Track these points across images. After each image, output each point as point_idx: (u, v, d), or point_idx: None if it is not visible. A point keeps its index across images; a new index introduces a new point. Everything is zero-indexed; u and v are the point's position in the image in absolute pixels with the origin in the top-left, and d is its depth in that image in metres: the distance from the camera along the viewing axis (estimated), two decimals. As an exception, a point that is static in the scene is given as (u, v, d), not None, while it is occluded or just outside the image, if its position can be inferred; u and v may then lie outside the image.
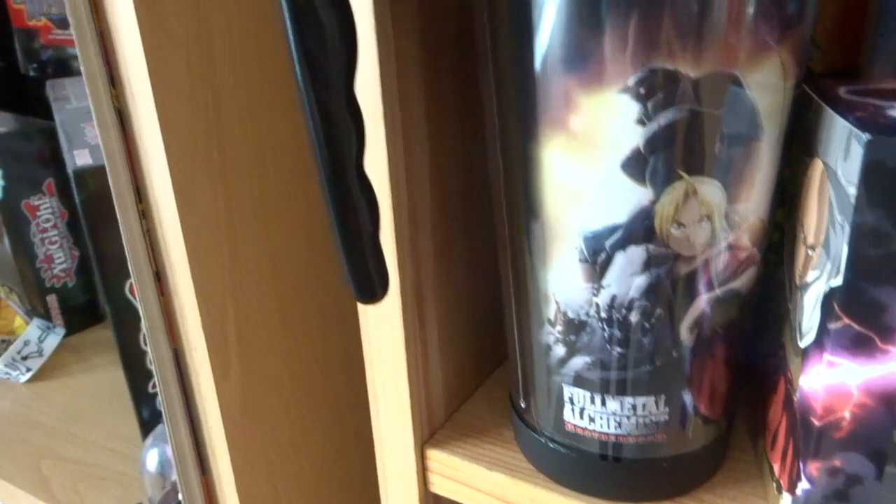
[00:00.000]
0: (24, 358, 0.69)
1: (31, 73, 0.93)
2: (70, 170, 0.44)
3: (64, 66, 0.90)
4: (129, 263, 0.35)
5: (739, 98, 0.24)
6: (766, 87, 0.24)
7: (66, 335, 0.75)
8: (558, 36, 0.23)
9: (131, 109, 0.32)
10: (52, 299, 0.76)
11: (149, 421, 0.53)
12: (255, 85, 0.36)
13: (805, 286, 0.26)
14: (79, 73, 0.87)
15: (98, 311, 0.80)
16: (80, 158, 0.45)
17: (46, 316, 0.76)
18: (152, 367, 0.52)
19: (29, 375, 0.68)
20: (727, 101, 0.23)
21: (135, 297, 0.49)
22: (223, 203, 0.35)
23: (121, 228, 0.34)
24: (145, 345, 0.50)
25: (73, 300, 0.77)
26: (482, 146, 0.32)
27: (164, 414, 0.39)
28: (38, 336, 0.71)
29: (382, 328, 0.33)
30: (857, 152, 0.21)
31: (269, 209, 0.38)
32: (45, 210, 0.74)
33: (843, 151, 0.22)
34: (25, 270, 0.74)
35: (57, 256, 0.75)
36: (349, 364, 0.47)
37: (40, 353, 0.70)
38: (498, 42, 0.26)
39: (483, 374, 0.40)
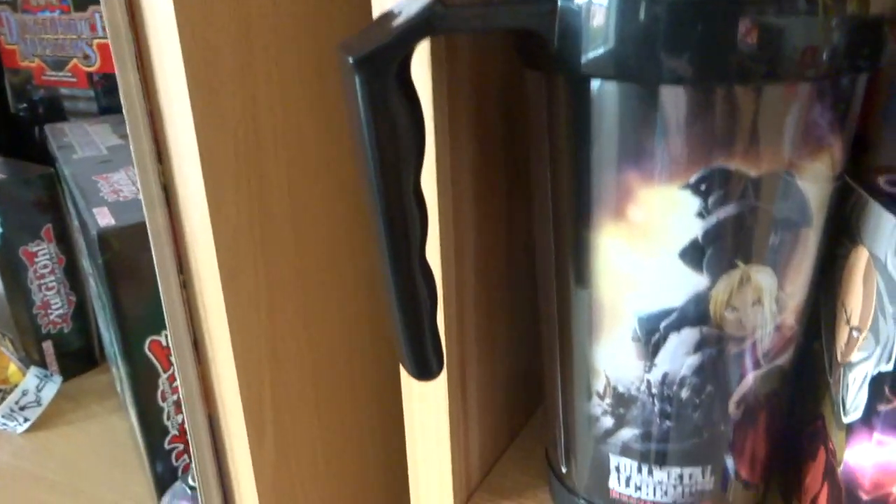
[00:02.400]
0: (22, 408, 0.68)
1: (21, 114, 0.93)
2: (94, 232, 0.44)
3: (55, 107, 0.89)
4: (168, 332, 0.35)
5: (793, 192, 0.25)
6: (816, 181, 0.25)
7: (62, 382, 0.74)
8: (623, 137, 0.24)
9: (179, 189, 0.32)
10: (47, 346, 0.74)
11: (163, 476, 0.52)
12: (297, 161, 0.36)
13: (849, 365, 0.27)
14: (74, 116, 0.86)
15: (93, 357, 0.79)
16: (101, 218, 0.45)
17: (42, 363, 0.74)
18: (168, 423, 0.52)
19: (27, 426, 0.67)
20: (782, 195, 0.25)
21: (153, 355, 0.48)
22: (264, 276, 0.35)
23: (162, 298, 0.34)
24: (162, 401, 0.50)
25: (69, 346, 0.76)
26: (528, 222, 0.33)
27: (196, 479, 0.39)
28: (35, 385, 0.70)
29: (426, 400, 0.33)
30: (910, 249, 0.23)
31: (308, 281, 0.38)
32: (42, 256, 0.73)
33: (895, 247, 0.24)
34: (21, 317, 0.73)
35: (54, 302, 0.74)
36: (383, 430, 0.47)
37: (38, 402, 0.69)
38: (557, 135, 0.27)
39: (514, 431, 0.41)
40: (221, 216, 0.33)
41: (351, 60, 0.23)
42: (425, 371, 0.28)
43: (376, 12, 0.28)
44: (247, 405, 0.36)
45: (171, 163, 0.32)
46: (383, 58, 0.23)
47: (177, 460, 0.52)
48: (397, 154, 0.24)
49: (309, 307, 0.39)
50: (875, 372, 0.25)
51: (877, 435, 0.25)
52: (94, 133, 0.72)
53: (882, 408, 0.25)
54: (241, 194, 0.33)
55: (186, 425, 0.37)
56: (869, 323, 0.26)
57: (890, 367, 0.24)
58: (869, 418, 0.26)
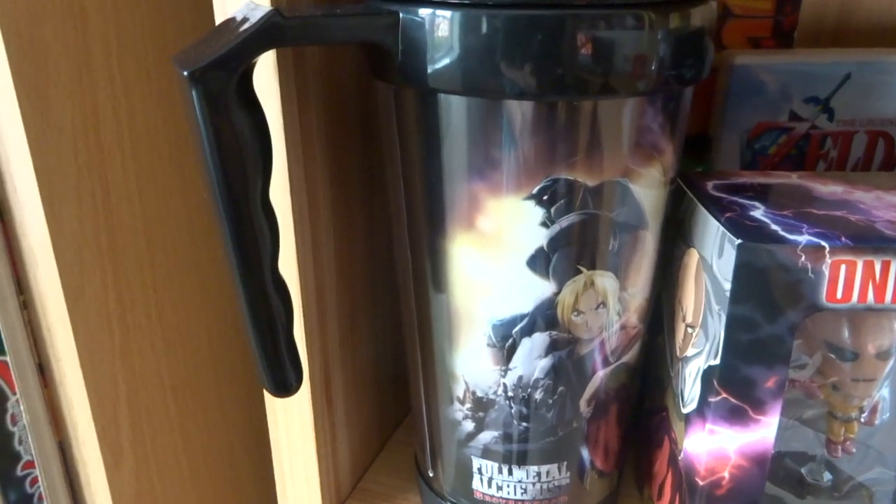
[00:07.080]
0: None
1: None
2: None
3: None
4: (7, 355, 0.33)
5: (628, 200, 0.26)
6: (649, 188, 0.27)
7: None
8: (468, 149, 0.25)
9: (13, 203, 0.30)
10: None
11: (17, 505, 0.49)
12: (148, 167, 0.35)
13: (686, 360, 0.29)
14: None
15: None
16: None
17: None
18: (20, 448, 0.48)
19: None
20: (617, 203, 0.26)
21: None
22: (114, 291, 0.34)
23: (-2, 321, 0.32)
24: (13, 425, 0.46)
25: None
26: (388, 229, 0.33)
27: (48, 510, 0.36)
28: None
29: (290, 412, 0.33)
30: (731, 254, 0.24)
31: (165, 292, 0.37)
32: None
33: (718, 250, 0.26)
34: None
35: None
36: (255, 443, 0.46)
37: None
38: (407, 148, 0.27)
39: (385, 436, 0.41)
40: (63, 231, 0.31)
41: (185, 74, 0.22)
42: (282, 387, 0.28)
43: (219, 18, 0.27)
44: (101, 429, 0.35)
45: (2, 177, 0.30)
46: (220, 71, 0.22)
47: (31, 487, 0.49)
48: (241, 168, 0.24)
49: (167, 319, 0.38)
50: (706, 366, 0.27)
51: (708, 425, 0.27)
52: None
53: (712, 399, 0.27)
54: (85, 206, 0.32)
55: (33, 454, 0.35)
56: (700, 320, 0.28)
57: (717, 362, 0.26)
58: (702, 409, 0.27)
